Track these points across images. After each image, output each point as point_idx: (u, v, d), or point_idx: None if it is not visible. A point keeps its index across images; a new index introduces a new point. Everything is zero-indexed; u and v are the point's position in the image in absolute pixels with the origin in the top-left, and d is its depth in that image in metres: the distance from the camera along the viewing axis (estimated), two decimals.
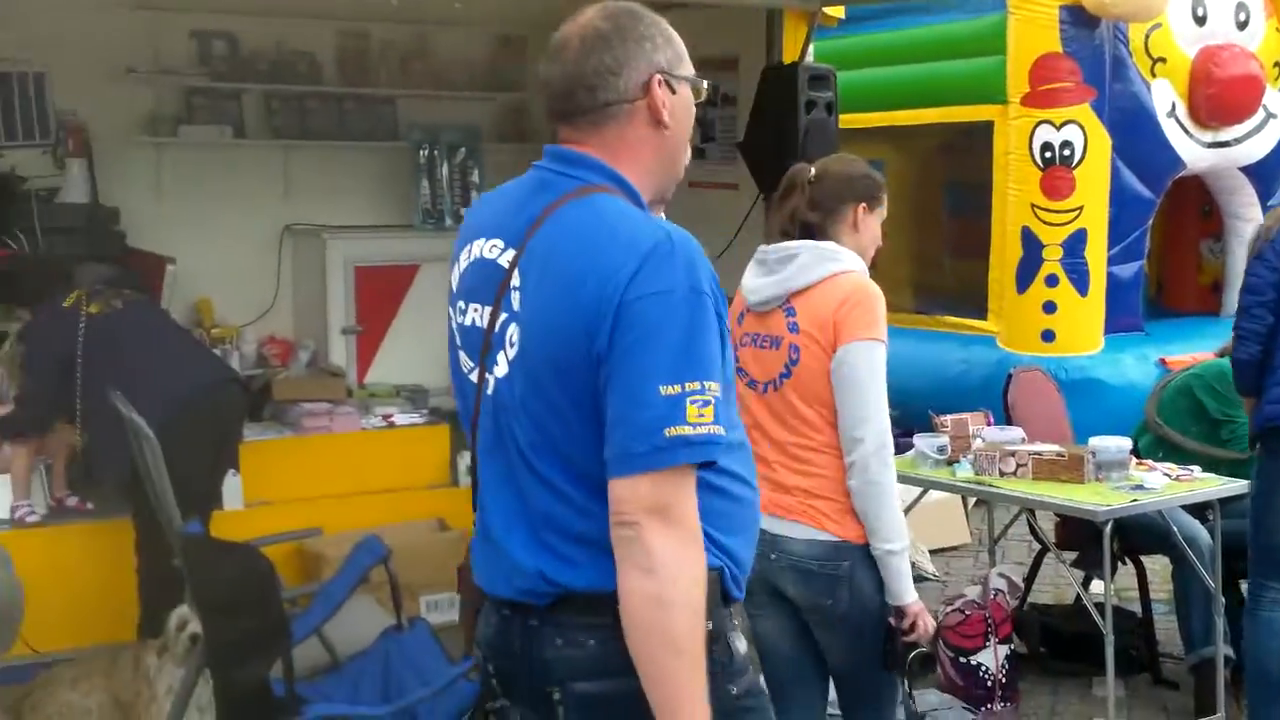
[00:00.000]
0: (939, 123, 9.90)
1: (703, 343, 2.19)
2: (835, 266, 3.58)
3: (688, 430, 2.16)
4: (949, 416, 5.64)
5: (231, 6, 7.36)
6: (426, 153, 7.94)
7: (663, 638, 2.14)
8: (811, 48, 6.69)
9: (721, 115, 7.30)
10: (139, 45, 7.28)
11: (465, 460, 6.36)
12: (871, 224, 3.73)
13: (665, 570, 2.15)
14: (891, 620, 3.51)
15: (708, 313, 2.20)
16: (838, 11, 7.01)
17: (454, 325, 2.43)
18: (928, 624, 3.53)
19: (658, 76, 2.34)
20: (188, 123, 7.50)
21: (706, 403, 2.17)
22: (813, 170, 3.75)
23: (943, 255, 10.55)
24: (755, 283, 3.68)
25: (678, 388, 2.15)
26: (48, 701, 4.73)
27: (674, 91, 2.37)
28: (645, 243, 2.20)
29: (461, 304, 2.40)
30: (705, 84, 2.44)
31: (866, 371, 3.47)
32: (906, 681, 4.50)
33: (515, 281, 2.28)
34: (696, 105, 2.42)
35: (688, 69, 2.40)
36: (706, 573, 2.20)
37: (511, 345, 2.28)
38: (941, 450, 5.46)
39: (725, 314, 2.29)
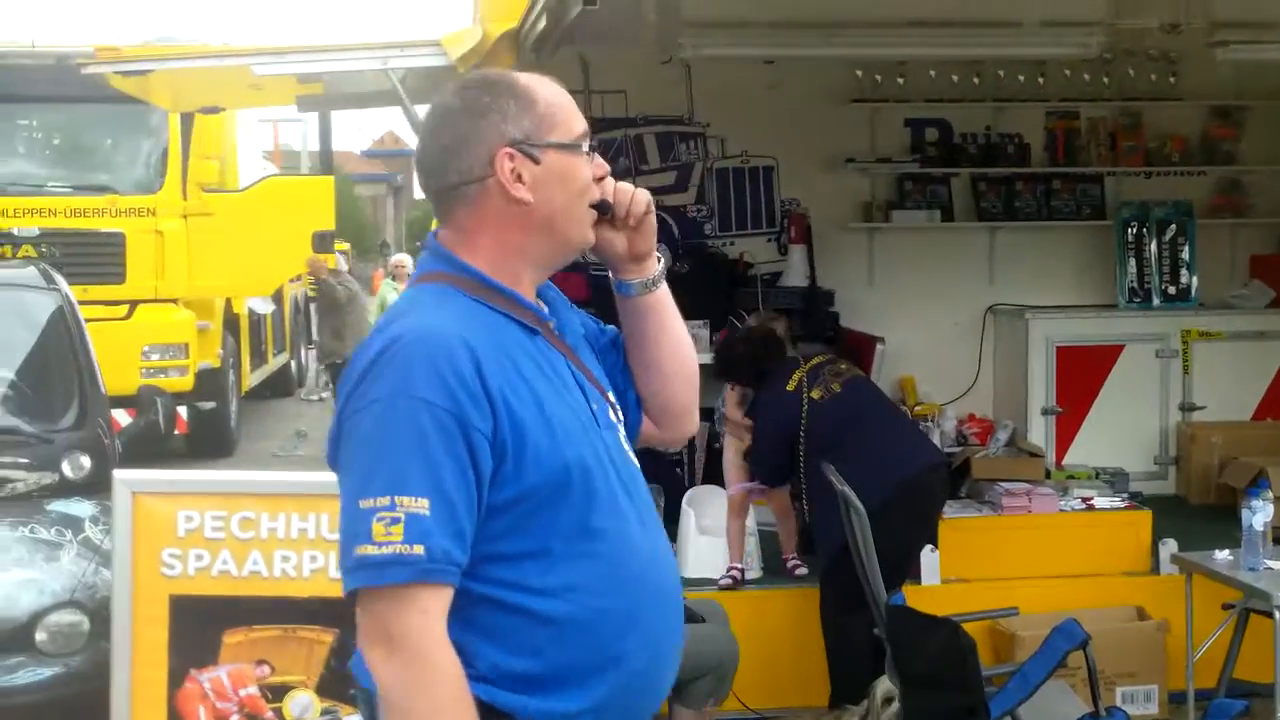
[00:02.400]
0: None
1: (402, 454, 2.03)
2: None
3: (371, 550, 2.01)
4: None
5: (945, 94, 7.65)
6: (1134, 230, 7.83)
7: None
8: None
9: None
10: (858, 136, 7.74)
11: (1168, 548, 6.16)
12: None
13: (392, 704, 2.02)
14: None
15: (414, 420, 2.03)
16: None
17: None
18: None
19: (505, 150, 2.18)
20: (899, 208, 7.86)
21: (395, 520, 2.00)
22: None
23: None
24: None
25: (370, 502, 2.02)
26: None
27: (536, 161, 2.19)
28: (373, 350, 2.10)
29: None
30: (586, 145, 2.24)
31: None
32: None
33: None
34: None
35: (562, 133, 2.21)
36: (460, 699, 2.02)
37: None
38: None
39: (483, 418, 2.05)
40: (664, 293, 2.43)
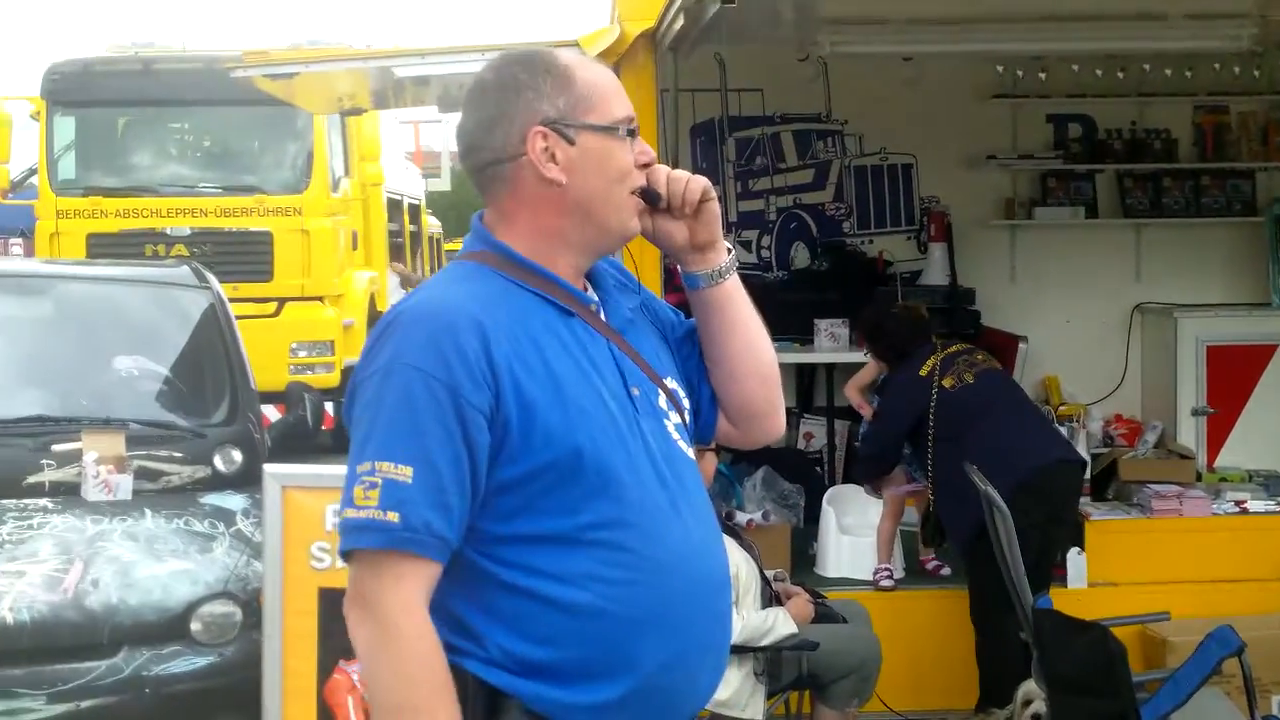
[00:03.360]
0: None
1: (382, 419, 2.04)
2: None
3: (350, 513, 2.03)
4: None
5: (1089, 89, 7.51)
6: None
7: None
8: None
9: None
10: (999, 133, 7.64)
11: None
12: None
13: (364, 664, 2.05)
14: None
15: (406, 389, 2.02)
16: None
17: None
18: None
19: (538, 129, 2.13)
20: (1041, 205, 7.74)
21: (372, 484, 2.00)
22: None
23: None
24: None
25: (362, 466, 2.03)
26: None
27: (571, 142, 2.14)
28: (384, 321, 2.11)
29: None
30: (625, 129, 2.18)
31: None
32: None
33: None
34: None
35: (599, 115, 2.16)
36: (426, 669, 2.00)
37: None
38: None
39: (478, 391, 2.03)
40: (733, 287, 2.33)
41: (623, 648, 2.09)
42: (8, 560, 4.67)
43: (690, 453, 2.28)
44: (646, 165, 2.22)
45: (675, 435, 2.25)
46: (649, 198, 2.23)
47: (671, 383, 2.30)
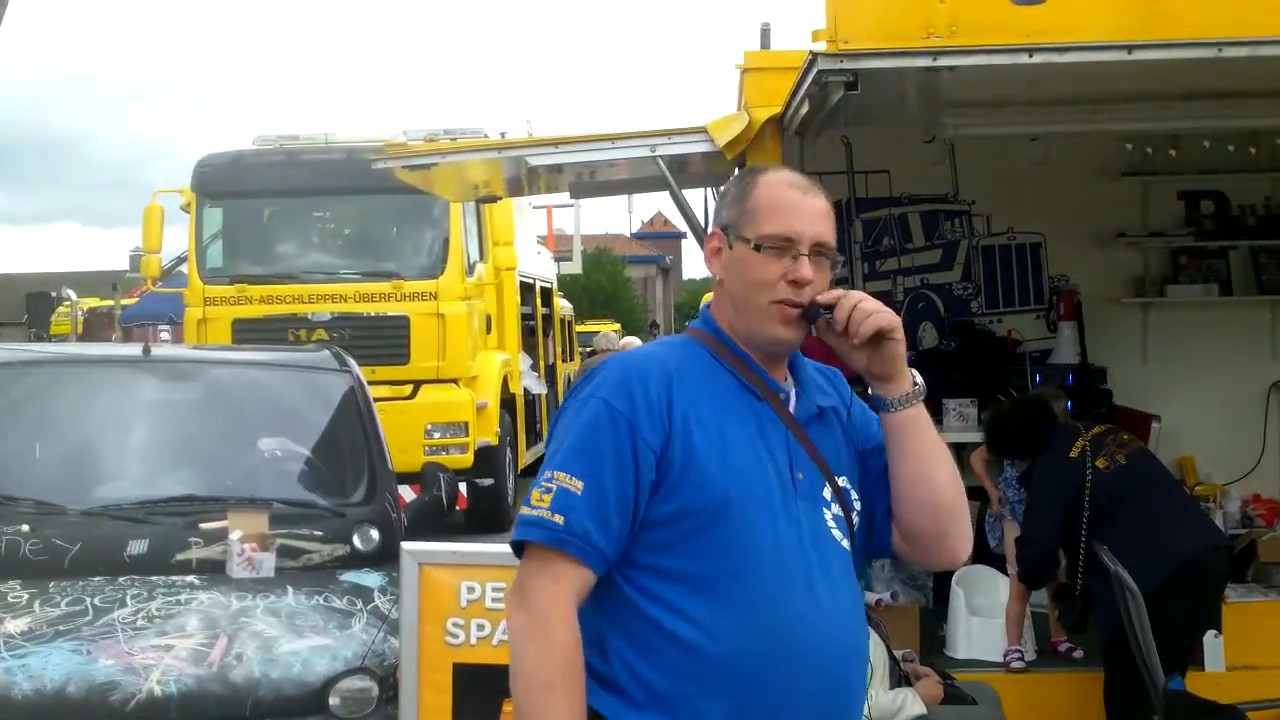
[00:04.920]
0: None
1: (570, 438, 2.36)
2: None
3: (525, 510, 2.35)
4: None
5: (1221, 165, 7.44)
6: None
7: (515, 705, 2.29)
8: None
9: None
10: (1129, 210, 7.60)
11: None
12: None
13: (513, 646, 2.31)
14: None
15: (593, 415, 2.35)
16: None
17: None
18: None
19: (715, 230, 2.52)
20: (1173, 282, 7.66)
21: (548, 490, 2.32)
22: None
23: None
24: None
25: (545, 475, 2.36)
26: None
27: (730, 246, 2.47)
28: (597, 365, 2.48)
29: None
30: (756, 245, 2.43)
31: None
32: None
33: None
34: None
35: (753, 230, 2.44)
36: (566, 664, 2.25)
37: None
38: None
39: (654, 431, 2.33)
40: (912, 417, 2.50)
41: (726, 694, 2.29)
42: (157, 634, 4.85)
43: (845, 543, 2.47)
44: (795, 282, 2.42)
45: (831, 524, 2.45)
46: (808, 315, 2.44)
47: (843, 481, 2.51)
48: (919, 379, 2.50)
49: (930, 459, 2.49)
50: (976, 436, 6.79)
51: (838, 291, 2.46)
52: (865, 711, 4.62)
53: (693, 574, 2.31)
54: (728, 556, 2.32)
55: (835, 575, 2.41)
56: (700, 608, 2.30)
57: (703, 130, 6.04)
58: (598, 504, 2.31)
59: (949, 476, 2.51)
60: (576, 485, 2.31)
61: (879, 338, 2.42)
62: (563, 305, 21.32)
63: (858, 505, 2.51)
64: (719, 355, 2.47)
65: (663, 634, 2.30)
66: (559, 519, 2.30)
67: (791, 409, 2.48)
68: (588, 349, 15.22)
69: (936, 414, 7.00)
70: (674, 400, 2.35)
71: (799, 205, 2.45)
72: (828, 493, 2.46)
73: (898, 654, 5.10)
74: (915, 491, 2.49)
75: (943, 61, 4.81)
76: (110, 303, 21.48)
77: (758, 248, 2.43)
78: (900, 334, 2.44)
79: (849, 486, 2.50)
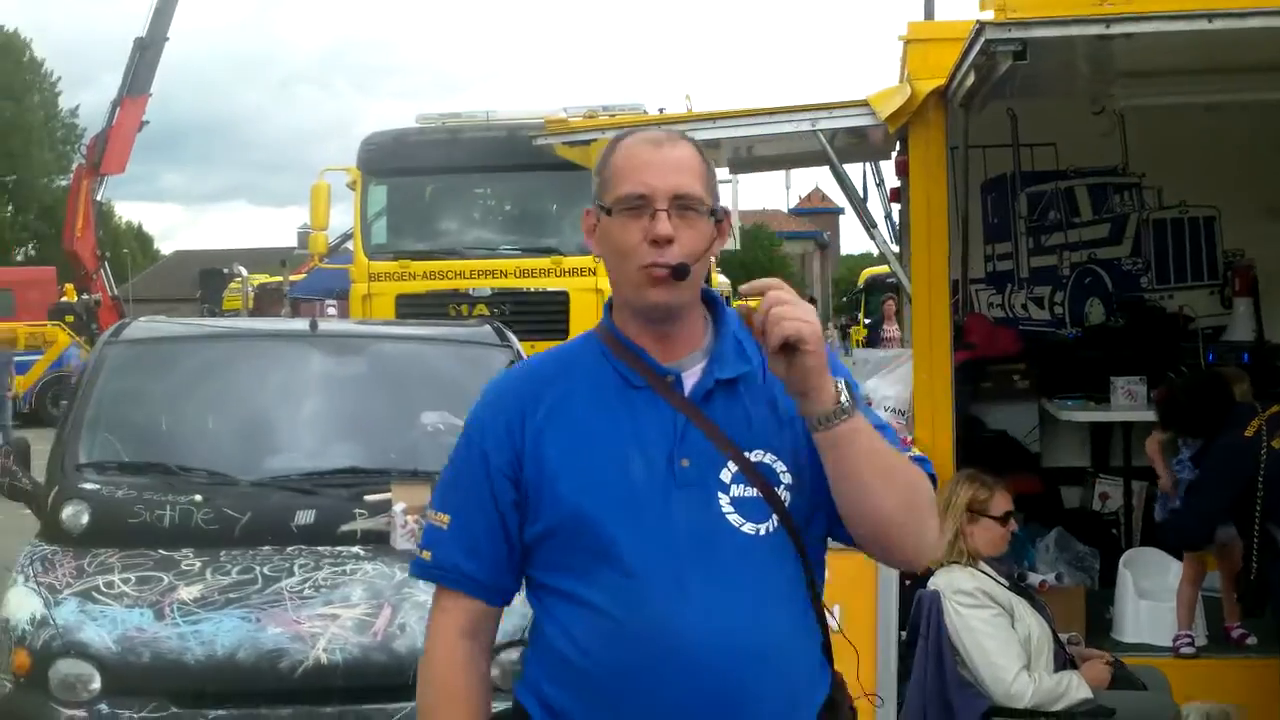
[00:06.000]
0: None
1: (443, 474, 2.42)
2: None
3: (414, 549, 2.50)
4: None
5: None
6: None
7: None
8: None
9: None
10: None
11: None
12: None
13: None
14: None
15: (460, 442, 2.39)
16: None
17: None
18: None
19: (587, 207, 2.38)
20: None
21: (423, 527, 2.42)
22: None
23: None
24: None
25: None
26: None
27: (598, 219, 2.34)
28: None
29: None
30: (603, 209, 2.30)
31: None
32: None
33: None
34: None
35: (610, 196, 2.30)
36: (439, 694, 2.35)
37: None
38: None
39: (501, 452, 2.32)
40: (844, 436, 2.17)
41: (603, 709, 2.25)
42: (323, 604, 4.97)
43: (750, 527, 2.25)
44: (654, 242, 2.23)
45: (729, 509, 2.25)
46: (678, 273, 2.25)
47: (759, 455, 2.28)
48: (846, 395, 2.16)
49: (863, 479, 2.19)
50: (1145, 415, 6.61)
51: (764, 282, 2.18)
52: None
53: (569, 590, 2.28)
54: (591, 569, 2.24)
55: (724, 568, 2.22)
56: (579, 624, 2.26)
57: (864, 104, 5.96)
58: (465, 535, 2.35)
59: (888, 492, 2.21)
60: (442, 520, 2.37)
61: (789, 348, 2.12)
62: (721, 281, 21.31)
63: (786, 478, 2.27)
64: (605, 344, 2.34)
65: (554, 652, 2.30)
66: (427, 555, 2.39)
67: (688, 389, 2.29)
68: None
69: (1104, 391, 6.84)
70: (529, 415, 2.31)
71: (650, 159, 2.28)
72: (726, 475, 2.25)
73: (1062, 637, 5.00)
74: (854, 508, 2.23)
75: (1116, 29, 4.66)
76: (279, 279, 22.02)
77: (611, 213, 2.28)
78: (815, 346, 2.12)
79: (771, 460, 2.26)
